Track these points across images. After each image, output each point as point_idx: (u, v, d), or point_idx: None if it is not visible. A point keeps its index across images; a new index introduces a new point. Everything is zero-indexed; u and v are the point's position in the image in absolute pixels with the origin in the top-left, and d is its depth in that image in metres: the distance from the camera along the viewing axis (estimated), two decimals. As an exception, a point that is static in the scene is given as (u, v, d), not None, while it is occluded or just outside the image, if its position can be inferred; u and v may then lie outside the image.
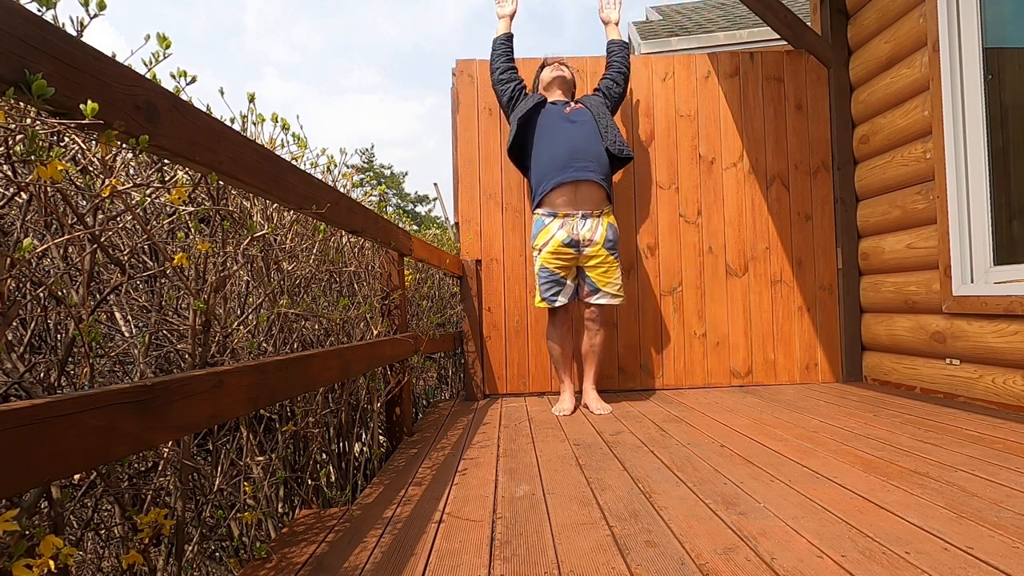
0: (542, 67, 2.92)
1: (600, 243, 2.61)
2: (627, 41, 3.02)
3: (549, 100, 2.81)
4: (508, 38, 2.93)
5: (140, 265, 1.43)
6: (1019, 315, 2.23)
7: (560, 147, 2.64)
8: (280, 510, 1.60)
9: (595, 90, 2.93)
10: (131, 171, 1.30)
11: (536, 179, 2.71)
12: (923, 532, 1.19)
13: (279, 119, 1.70)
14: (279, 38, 76.02)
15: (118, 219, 1.23)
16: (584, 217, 2.61)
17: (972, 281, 2.49)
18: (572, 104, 2.78)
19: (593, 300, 2.66)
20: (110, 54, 0.77)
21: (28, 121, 0.77)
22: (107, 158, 0.94)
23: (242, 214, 1.50)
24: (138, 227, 1.31)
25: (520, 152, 2.82)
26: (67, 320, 1.16)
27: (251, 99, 1.59)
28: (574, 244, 2.60)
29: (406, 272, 2.53)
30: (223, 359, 1.34)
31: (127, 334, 1.32)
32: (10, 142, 0.80)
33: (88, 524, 1.24)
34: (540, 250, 2.65)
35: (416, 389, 3.35)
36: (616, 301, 2.65)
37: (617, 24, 2.97)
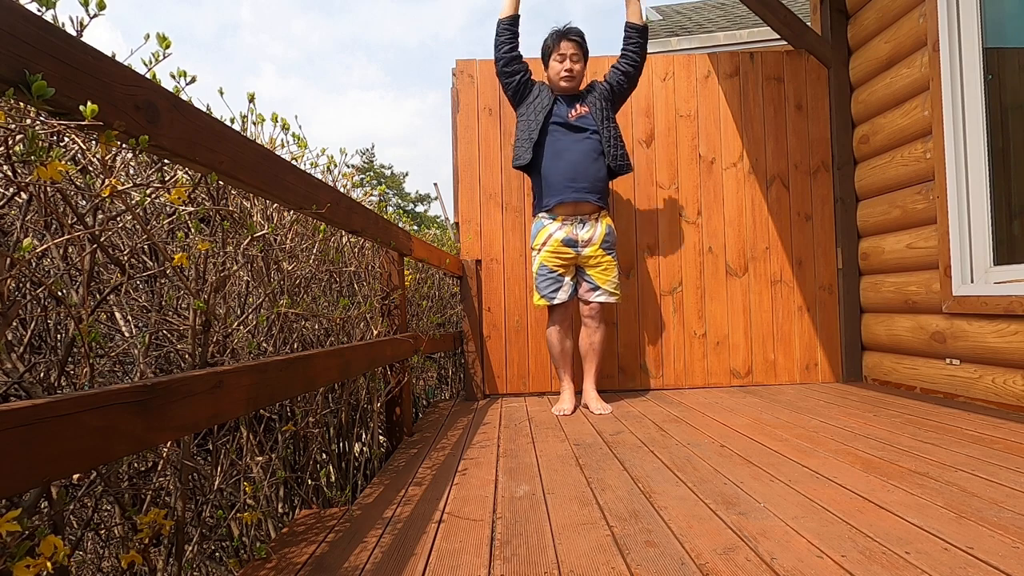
0: (557, 37, 2.70)
1: (598, 243, 2.68)
2: (644, 24, 2.73)
3: (556, 93, 2.75)
4: (513, 21, 2.69)
5: (140, 265, 1.43)
6: (1019, 315, 2.23)
7: (563, 164, 2.66)
8: (280, 510, 1.60)
9: (605, 78, 2.80)
10: (131, 171, 1.30)
11: (537, 189, 2.77)
12: (923, 532, 1.19)
13: (279, 119, 1.70)
14: (277, 33, 75.96)
15: (118, 219, 1.23)
16: (582, 221, 2.69)
17: (972, 281, 2.49)
18: (578, 107, 2.73)
19: (593, 298, 2.71)
20: (110, 54, 0.77)
21: (28, 121, 0.77)
22: (107, 158, 0.94)
23: (242, 214, 1.50)
24: (138, 227, 1.31)
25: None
26: (67, 320, 1.16)
27: (251, 99, 1.59)
28: (572, 244, 2.68)
29: (406, 272, 2.53)
30: (223, 359, 1.34)
31: (127, 334, 1.32)
32: (10, 142, 0.80)
33: (88, 524, 1.24)
34: (539, 249, 2.73)
35: (416, 389, 3.35)
36: (612, 299, 2.72)
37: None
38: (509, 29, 2.69)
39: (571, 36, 2.70)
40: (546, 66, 2.79)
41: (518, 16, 2.70)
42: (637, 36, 2.73)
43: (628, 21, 2.75)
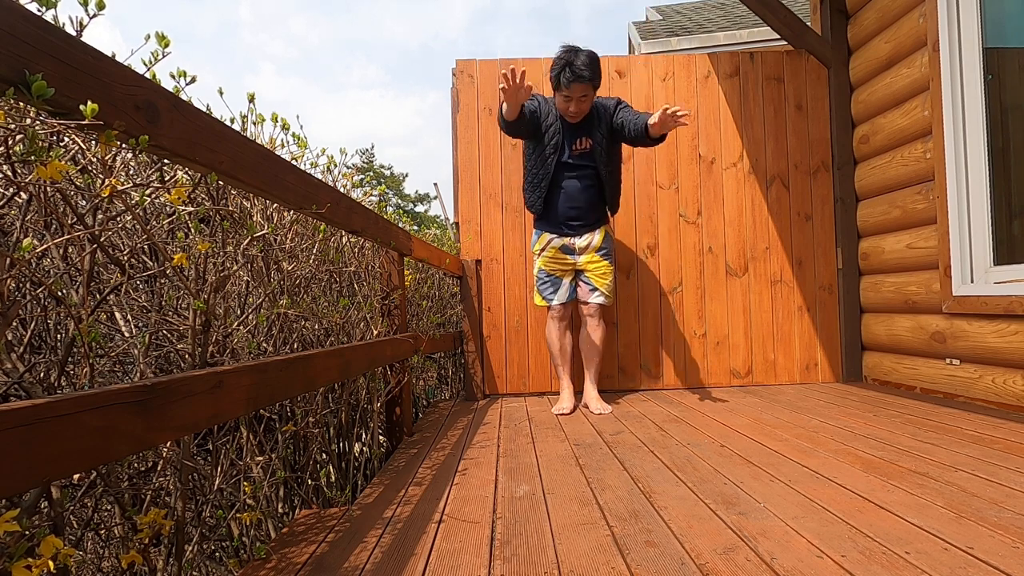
0: (569, 78, 2.47)
1: (594, 250, 2.77)
2: (657, 138, 2.51)
3: (562, 116, 2.63)
4: (519, 120, 2.50)
5: (140, 265, 1.43)
6: (1019, 315, 2.23)
7: (564, 202, 2.71)
8: (280, 510, 1.60)
9: (617, 109, 2.65)
10: (131, 171, 1.30)
11: (536, 217, 2.84)
12: (923, 532, 1.19)
13: (279, 119, 1.70)
14: (276, 32, 75.89)
15: (118, 219, 1.23)
16: (580, 234, 2.78)
17: (972, 281, 2.49)
18: (582, 140, 2.64)
19: (591, 299, 2.79)
20: (110, 54, 0.77)
21: (28, 121, 0.77)
22: (107, 158, 0.94)
23: (242, 214, 1.50)
24: (138, 227, 1.31)
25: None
26: (67, 320, 1.16)
27: (251, 99, 1.59)
28: (570, 251, 2.78)
29: (406, 272, 2.53)
30: (223, 359, 1.34)
31: (127, 334, 1.32)
32: (10, 142, 0.80)
33: (88, 524, 1.24)
34: (539, 254, 2.84)
35: (416, 389, 3.35)
36: (607, 302, 2.81)
37: (659, 128, 2.38)
38: (517, 131, 2.59)
39: (582, 79, 2.46)
40: (554, 89, 2.57)
41: (523, 110, 2.48)
42: (640, 139, 2.55)
43: (650, 126, 2.42)
